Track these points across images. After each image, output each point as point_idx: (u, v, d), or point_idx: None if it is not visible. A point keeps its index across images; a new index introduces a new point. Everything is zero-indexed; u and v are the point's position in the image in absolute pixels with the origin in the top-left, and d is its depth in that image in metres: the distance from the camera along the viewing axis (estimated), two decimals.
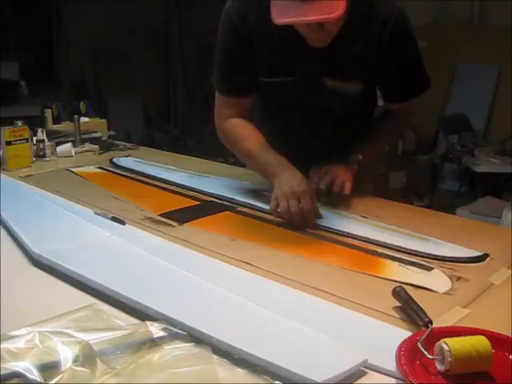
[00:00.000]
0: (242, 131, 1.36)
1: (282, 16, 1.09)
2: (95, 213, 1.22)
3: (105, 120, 2.60)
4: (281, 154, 1.29)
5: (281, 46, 1.27)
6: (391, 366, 0.65)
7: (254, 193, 1.39)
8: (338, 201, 1.30)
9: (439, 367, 0.65)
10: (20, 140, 1.71)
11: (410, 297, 0.79)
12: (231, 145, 1.39)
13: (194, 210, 1.28)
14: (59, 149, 1.91)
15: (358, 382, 0.65)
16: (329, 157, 1.36)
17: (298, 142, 1.41)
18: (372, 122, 1.49)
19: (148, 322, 0.71)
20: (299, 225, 1.15)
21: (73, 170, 1.68)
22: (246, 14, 1.26)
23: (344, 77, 1.30)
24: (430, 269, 0.96)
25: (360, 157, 1.34)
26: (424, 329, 0.72)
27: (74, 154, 1.91)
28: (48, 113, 2.41)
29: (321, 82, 1.30)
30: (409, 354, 0.66)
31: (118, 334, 0.68)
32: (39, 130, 1.87)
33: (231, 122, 1.37)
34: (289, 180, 1.19)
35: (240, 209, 1.29)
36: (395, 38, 1.25)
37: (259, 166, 1.33)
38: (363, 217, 1.22)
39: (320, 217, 1.19)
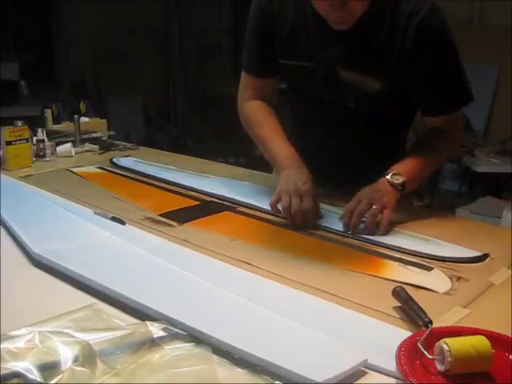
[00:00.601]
0: (259, 116, 1.37)
1: None
2: (95, 213, 1.22)
3: (105, 120, 2.61)
4: (300, 148, 1.28)
5: (302, 30, 1.25)
6: (391, 366, 0.65)
7: (254, 193, 1.39)
8: (339, 200, 1.30)
9: (439, 367, 0.65)
10: (20, 140, 1.71)
11: (410, 297, 0.79)
12: (248, 128, 1.40)
13: (193, 210, 1.28)
14: (59, 149, 1.91)
15: (358, 382, 0.65)
16: (348, 161, 1.34)
17: (316, 137, 1.38)
18: (416, 140, 1.31)
19: (148, 322, 0.71)
20: (299, 224, 1.15)
21: (73, 169, 1.68)
22: None
23: (360, 70, 1.22)
24: (430, 269, 0.96)
25: (403, 178, 1.16)
26: (424, 329, 0.72)
27: (73, 153, 1.90)
28: (48, 113, 2.41)
29: (336, 72, 1.23)
30: (409, 353, 0.66)
31: (118, 333, 0.68)
32: (39, 130, 1.87)
33: (251, 104, 1.39)
34: (295, 177, 1.19)
35: (240, 209, 1.29)
36: (422, 34, 1.15)
37: (269, 156, 1.33)
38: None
39: (321, 217, 1.19)
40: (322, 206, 1.27)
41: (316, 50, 1.25)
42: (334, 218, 1.20)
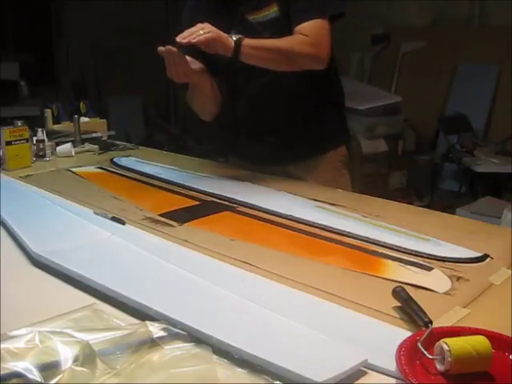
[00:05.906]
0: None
1: None
2: (95, 213, 1.22)
3: (105, 120, 2.61)
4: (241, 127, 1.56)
5: (215, 10, 1.49)
6: (391, 366, 0.65)
7: (254, 193, 1.39)
8: (339, 199, 1.30)
9: (439, 367, 0.65)
10: (20, 140, 1.71)
11: (410, 297, 0.79)
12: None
13: (194, 210, 1.28)
14: (59, 149, 1.91)
15: (358, 382, 0.65)
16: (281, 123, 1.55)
17: (248, 107, 1.56)
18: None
19: (148, 322, 0.71)
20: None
21: (73, 169, 1.68)
22: None
23: (260, 6, 1.42)
24: (429, 269, 0.96)
25: (243, 40, 1.31)
26: (424, 329, 0.72)
27: (73, 153, 1.91)
28: (48, 113, 2.41)
29: (246, 19, 1.43)
30: (409, 354, 0.66)
31: (118, 333, 0.67)
32: (39, 130, 1.87)
33: None
34: None
35: (240, 209, 1.29)
36: None
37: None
38: (363, 216, 1.22)
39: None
40: (323, 205, 1.27)
41: (227, 15, 1.45)
42: (333, 218, 1.20)
